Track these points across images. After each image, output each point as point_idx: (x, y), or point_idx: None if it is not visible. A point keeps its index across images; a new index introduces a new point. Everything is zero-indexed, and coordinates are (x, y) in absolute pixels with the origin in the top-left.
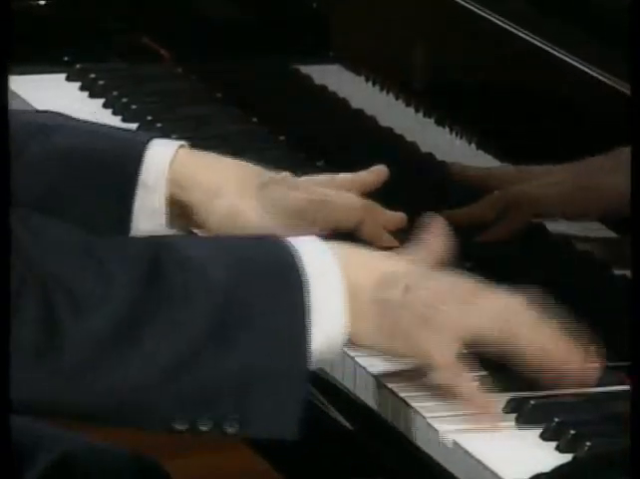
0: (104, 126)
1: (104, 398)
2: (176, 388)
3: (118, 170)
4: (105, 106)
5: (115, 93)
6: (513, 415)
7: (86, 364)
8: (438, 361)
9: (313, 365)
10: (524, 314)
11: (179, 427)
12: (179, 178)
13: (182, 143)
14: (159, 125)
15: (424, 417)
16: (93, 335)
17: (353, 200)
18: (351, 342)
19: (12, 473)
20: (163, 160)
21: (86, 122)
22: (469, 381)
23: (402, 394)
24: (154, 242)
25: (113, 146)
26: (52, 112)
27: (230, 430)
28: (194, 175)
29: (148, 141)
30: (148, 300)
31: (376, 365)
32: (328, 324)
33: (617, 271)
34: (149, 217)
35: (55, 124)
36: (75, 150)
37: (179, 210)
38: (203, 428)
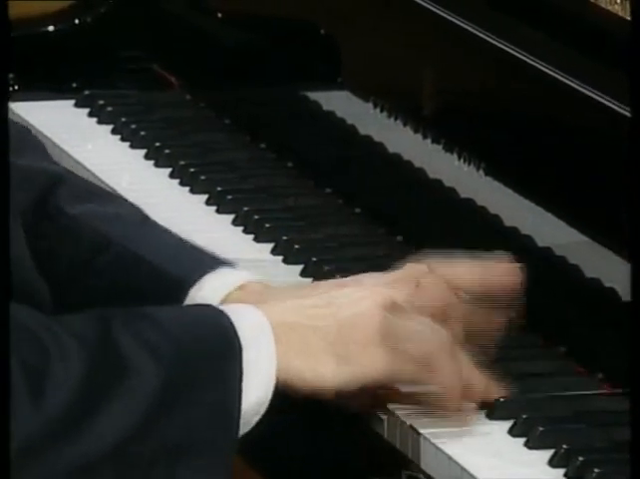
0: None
1: (56, 472)
2: (121, 463)
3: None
4: (113, 132)
5: (123, 119)
6: (522, 439)
7: (39, 445)
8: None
9: (250, 421)
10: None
11: None
12: None
13: (243, 280)
14: (167, 151)
15: (432, 443)
16: (47, 416)
17: None
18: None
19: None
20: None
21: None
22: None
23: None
24: (103, 316)
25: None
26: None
27: None
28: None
29: (195, 282)
30: (100, 375)
31: None
32: (260, 385)
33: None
34: None
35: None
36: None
37: None
38: None
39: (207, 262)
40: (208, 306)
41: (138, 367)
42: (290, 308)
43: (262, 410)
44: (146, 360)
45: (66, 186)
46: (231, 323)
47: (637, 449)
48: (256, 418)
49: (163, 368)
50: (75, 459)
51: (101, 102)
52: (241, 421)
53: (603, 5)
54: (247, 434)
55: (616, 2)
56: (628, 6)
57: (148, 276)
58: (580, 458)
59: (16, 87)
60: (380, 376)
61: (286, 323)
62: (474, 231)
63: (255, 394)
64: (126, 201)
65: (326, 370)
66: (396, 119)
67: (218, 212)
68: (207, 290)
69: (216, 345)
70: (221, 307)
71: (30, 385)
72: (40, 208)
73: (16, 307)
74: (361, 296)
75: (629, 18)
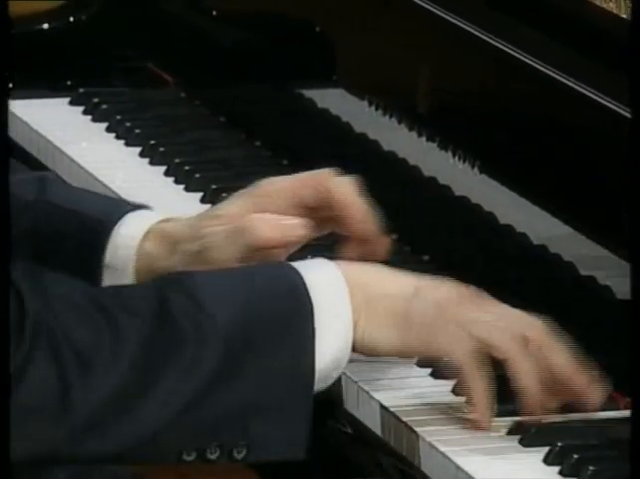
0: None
1: (118, 446)
2: (187, 425)
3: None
4: (108, 130)
5: (118, 117)
6: (516, 437)
7: (99, 418)
8: (456, 355)
9: (323, 383)
10: (539, 331)
11: (188, 458)
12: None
13: (154, 220)
14: (162, 149)
15: (430, 444)
16: (102, 393)
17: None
18: (364, 346)
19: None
20: (130, 246)
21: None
22: (483, 382)
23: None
24: (161, 286)
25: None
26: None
27: (238, 456)
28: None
29: (117, 220)
30: (157, 349)
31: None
32: (335, 342)
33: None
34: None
35: (40, 197)
36: (43, 228)
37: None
38: (212, 457)
39: (127, 206)
40: (281, 264)
41: (194, 339)
42: (368, 270)
43: (343, 364)
44: (202, 331)
45: None
46: (303, 282)
47: (637, 449)
48: (337, 372)
49: (222, 337)
50: (130, 429)
51: (95, 100)
52: (320, 376)
53: (598, 3)
54: None
55: (610, 0)
56: (622, 3)
57: (67, 221)
58: (575, 455)
59: (10, 85)
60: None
61: (360, 284)
62: (468, 228)
63: (335, 346)
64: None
65: (391, 339)
66: (391, 117)
67: None
68: (129, 225)
69: (287, 305)
70: (296, 264)
71: (79, 361)
72: None
73: (71, 287)
74: (440, 286)
75: (624, 15)
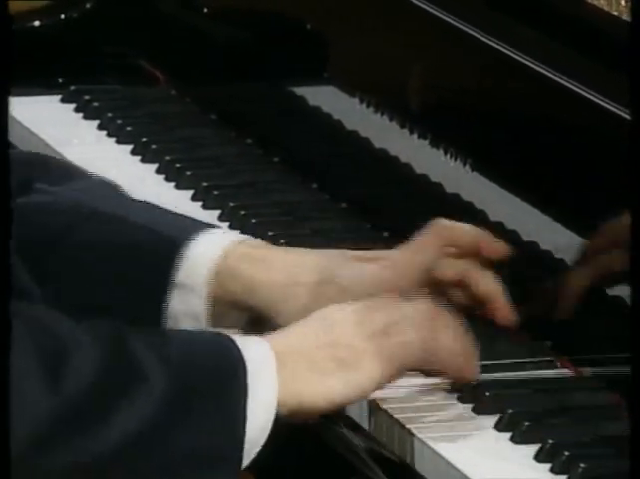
0: (149, 209)
1: (66, 464)
2: (131, 462)
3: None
4: (99, 127)
5: (109, 114)
6: (508, 434)
7: (51, 434)
8: (407, 363)
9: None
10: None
11: None
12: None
13: (233, 237)
14: (153, 146)
15: (417, 438)
16: (63, 405)
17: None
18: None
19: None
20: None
21: (129, 201)
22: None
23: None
24: (115, 326)
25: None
26: (99, 180)
27: None
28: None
29: (191, 237)
30: (113, 373)
31: None
32: (262, 413)
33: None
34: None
35: (89, 210)
36: (105, 244)
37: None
38: None
39: (199, 224)
40: (219, 334)
41: (149, 373)
42: (294, 337)
43: (265, 435)
44: (157, 367)
45: (44, 168)
46: (239, 351)
47: (637, 449)
48: (257, 447)
49: (174, 377)
50: (82, 453)
51: (87, 97)
52: (248, 444)
53: (589, 0)
54: None
55: None
56: (613, 0)
57: (137, 235)
58: (566, 453)
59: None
60: (383, 381)
61: (290, 352)
62: None
63: (260, 418)
64: (100, 177)
65: (334, 390)
66: (382, 114)
67: (205, 207)
68: (205, 246)
69: (224, 369)
70: (231, 337)
71: (47, 370)
72: (21, 191)
73: (29, 306)
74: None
75: (615, 12)
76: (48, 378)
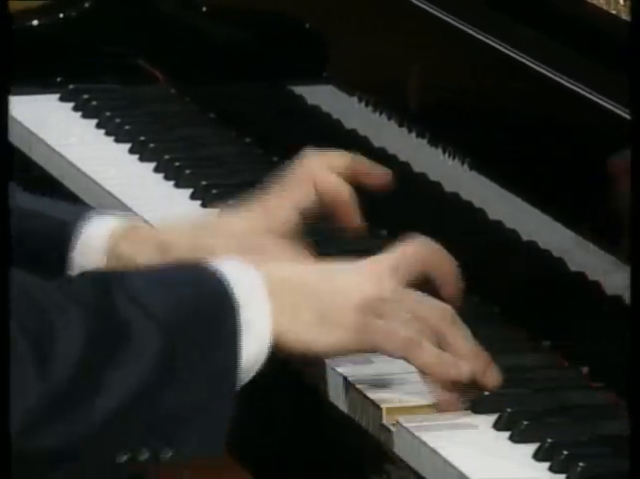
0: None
1: (60, 442)
2: (124, 425)
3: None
4: (98, 126)
5: (108, 113)
6: (506, 433)
7: (51, 411)
8: (392, 346)
9: (244, 379)
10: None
11: (120, 460)
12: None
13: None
14: (151, 145)
15: (415, 436)
16: (53, 388)
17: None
18: (297, 346)
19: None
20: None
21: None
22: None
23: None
24: (103, 278)
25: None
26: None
27: (164, 457)
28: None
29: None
30: (102, 342)
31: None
32: (256, 342)
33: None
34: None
35: None
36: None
37: None
38: (142, 458)
39: (88, 207)
40: (204, 267)
41: (137, 334)
42: (285, 267)
43: (257, 367)
44: (145, 326)
45: None
46: (227, 284)
47: (637, 449)
48: (251, 374)
49: (163, 334)
50: (79, 426)
51: (85, 96)
52: (242, 375)
53: (589, 0)
54: (234, 430)
55: None
56: (612, 0)
57: (27, 221)
58: (565, 452)
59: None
60: (348, 353)
61: (280, 281)
62: (458, 224)
63: (252, 350)
64: None
65: (314, 333)
66: (381, 113)
67: (203, 206)
68: (95, 227)
69: (212, 308)
70: (217, 267)
71: (35, 353)
72: None
73: (13, 272)
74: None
75: (613, 11)
76: (36, 363)
